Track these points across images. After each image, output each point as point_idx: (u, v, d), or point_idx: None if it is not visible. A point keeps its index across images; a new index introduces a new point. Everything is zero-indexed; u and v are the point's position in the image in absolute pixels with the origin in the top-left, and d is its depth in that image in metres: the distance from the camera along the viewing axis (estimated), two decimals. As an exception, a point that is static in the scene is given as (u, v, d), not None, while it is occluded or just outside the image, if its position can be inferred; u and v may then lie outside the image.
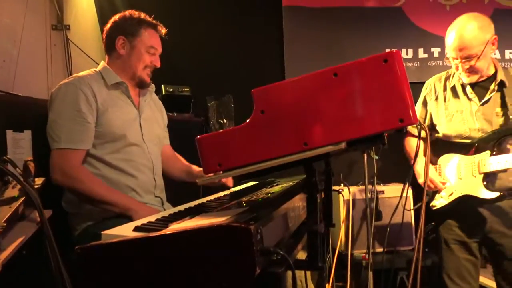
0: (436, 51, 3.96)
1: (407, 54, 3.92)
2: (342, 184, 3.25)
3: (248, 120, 1.03)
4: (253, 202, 1.37)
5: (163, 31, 2.05)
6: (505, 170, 2.01)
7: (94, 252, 0.94)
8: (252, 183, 2.09)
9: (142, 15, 2.01)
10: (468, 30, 2.04)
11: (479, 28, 2.04)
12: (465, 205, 2.11)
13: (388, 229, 3.23)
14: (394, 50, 0.94)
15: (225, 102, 3.56)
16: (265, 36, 3.89)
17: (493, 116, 2.09)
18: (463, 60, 2.06)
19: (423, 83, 3.79)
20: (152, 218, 1.18)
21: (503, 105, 2.08)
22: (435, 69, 3.90)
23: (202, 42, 3.78)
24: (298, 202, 1.56)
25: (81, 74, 1.94)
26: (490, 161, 2.02)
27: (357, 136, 0.97)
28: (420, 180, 2.21)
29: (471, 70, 2.07)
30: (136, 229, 1.06)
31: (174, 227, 1.02)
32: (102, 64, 2.01)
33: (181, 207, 1.43)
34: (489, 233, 2.12)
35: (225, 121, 3.57)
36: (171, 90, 3.33)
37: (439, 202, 2.17)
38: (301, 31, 3.84)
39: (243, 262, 0.87)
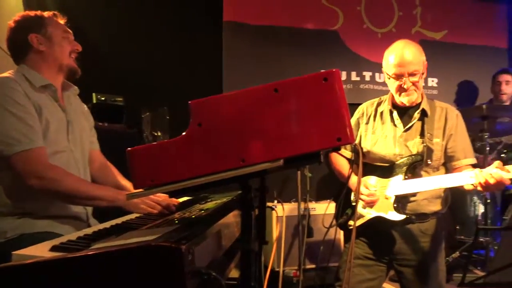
0: (367, 75, 4.16)
1: (341, 76, 4.07)
2: (275, 201, 3.26)
3: (184, 133, 0.98)
4: (185, 219, 1.30)
5: (62, 19, 1.94)
6: (414, 194, 2.12)
7: (2, 275, 0.83)
8: (185, 198, 2.02)
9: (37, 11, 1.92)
10: (411, 49, 2.15)
11: (418, 50, 2.17)
12: (377, 226, 2.18)
13: (321, 247, 3.29)
14: (334, 69, 0.94)
15: (160, 114, 3.45)
16: (204, 50, 3.86)
17: (412, 143, 2.20)
18: (409, 76, 2.13)
19: (355, 104, 3.97)
20: (73, 237, 1.08)
21: (422, 134, 2.19)
22: (366, 92, 4.10)
23: (139, 51, 3.67)
24: (232, 219, 1.52)
25: (3, 75, 1.77)
26: (401, 185, 2.11)
27: (295, 153, 0.96)
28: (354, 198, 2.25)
29: (414, 88, 2.15)
30: (54, 248, 0.95)
31: (97, 246, 0.93)
32: (19, 68, 1.84)
33: (107, 224, 1.33)
34: (397, 254, 2.19)
35: (159, 134, 3.46)
36: (103, 98, 3.17)
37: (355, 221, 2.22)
38: (241, 46, 3.86)
39: (173, 285, 0.81)
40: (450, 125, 2.20)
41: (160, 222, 1.29)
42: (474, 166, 2.13)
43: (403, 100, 2.18)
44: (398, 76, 2.15)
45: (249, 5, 3.90)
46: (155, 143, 1.49)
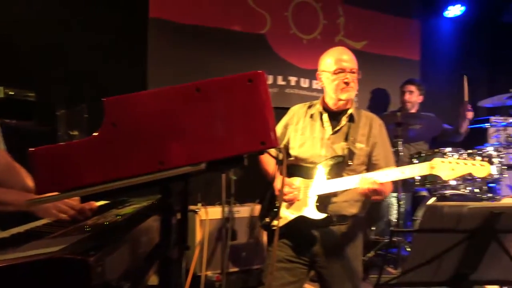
0: (293, 79, 4.24)
1: (267, 80, 4.09)
2: (199, 204, 3.19)
3: (95, 133, 0.89)
4: (98, 226, 1.21)
5: None
6: (336, 195, 2.19)
7: None
8: (101, 202, 1.89)
9: None
10: (348, 51, 2.29)
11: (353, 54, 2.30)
12: (299, 227, 2.22)
13: (243, 249, 3.28)
14: (259, 71, 0.92)
15: (77, 112, 3.23)
16: (129, 46, 3.67)
17: (338, 146, 2.27)
18: (350, 72, 2.22)
19: (280, 108, 4.03)
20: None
21: (347, 138, 2.27)
22: (291, 96, 4.18)
23: (56, 44, 3.39)
24: (153, 223, 1.44)
25: None
26: (324, 185, 2.17)
27: (218, 157, 0.92)
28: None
29: (353, 86, 2.23)
30: None
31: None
32: None
33: (7, 233, 1.18)
34: (318, 256, 2.25)
35: (76, 133, 3.23)
36: (12, 93, 2.89)
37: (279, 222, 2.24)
38: (167, 45, 3.73)
39: (78, 301, 0.73)
40: (374, 133, 2.30)
41: (70, 230, 1.17)
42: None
43: (343, 96, 2.23)
44: (341, 71, 2.21)
45: (177, 3, 3.79)
46: (61, 143, 1.37)
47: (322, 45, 4.36)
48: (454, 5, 4.94)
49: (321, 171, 2.21)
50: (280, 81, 4.18)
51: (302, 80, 4.29)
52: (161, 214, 1.11)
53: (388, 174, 2.03)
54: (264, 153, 1.04)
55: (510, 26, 5.08)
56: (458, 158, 1.84)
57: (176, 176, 0.95)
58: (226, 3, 3.99)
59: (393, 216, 3.81)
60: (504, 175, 3.52)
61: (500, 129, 3.84)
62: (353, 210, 2.25)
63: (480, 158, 1.79)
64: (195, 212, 3.15)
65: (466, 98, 4.00)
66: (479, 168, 1.77)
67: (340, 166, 2.22)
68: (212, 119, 0.90)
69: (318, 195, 2.17)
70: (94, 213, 1.53)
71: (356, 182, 2.08)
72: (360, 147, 2.25)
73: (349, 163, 2.19)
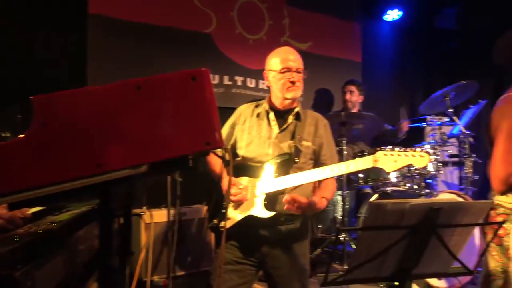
0: (239, 79, 4.23)
1: (213, 79, 4.06)
2: (144, 207, 3.09)
3: (23, 135, 0.81)
4: (30, 236, 1.11)
5: None
6: (283, 192, 2.18)
7: None
8: (36, 209, 1.76)
9: None
10: (294, 51, 2.30)
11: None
12: (247, 227, 2.20)
13: (190, 252, 3.22)
14: (203, 68, 0.88)
15: (9, 112, 3.01)
16: (67, 43, 3.48)
17: (285, 145, 2.28)
18: (296, 72, 2.23)
19: (226, 108, 4.00)
20: None
21: (293, 137, 2.29)
22: (238, 96, 4.17)
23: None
24: (92, 230, 1.36)
25: None
26: (271, 183, 2.17)
27: (160, 158, 0.87)
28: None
29: (299, 85, 2.24)
30: None
31: None
32: None
33: None
34: (266, 256, 2.24)
35: (8, 135, 3.01)
36: None
37: (227, 223, 2.22)
38: (109, 42, 3.57)
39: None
40: (320, 133, 2.34)
41: (-4, 240, 1.07)
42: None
43: (289, 95, 2.24)
44: (287, 70, 2.22)
45: (119, 0, 3.64)
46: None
47: (268, 46, 4.38)
48: (392, 9, 5.16)
49: (268, 169, 2.21)
50: (226, 81, 4.15)
51: (248, 80, 4.29)
52: (101, 221, 1.05)
53: (334, 169, 2.06)
54: (210, 153, 1.01)
55: (442, 31, 5.39)
56: (399, 151, 1.90)
57: (115, 180, 0.89)
58: (170, 1, 3.89)
59: (339, 214, 3.91)
60: (440, 172, 3.71)
61: (435, 128, 4.05)
62: (300, 209, 2.27)
63: (419, 149, 1.86)
64: (139, 215, 3.05)
65: (404, 127, 4.15)
66: (419, 159, 1.84)
67: (287, 164, 2.22)
68: (153, 118, 0.85)
69: (266, 194, 2.16)
70: (26, 221, 1.42)
71: (303, 179, 2.10)
72: (307, 145, 2.28)
73: (296, 160, 2.21)
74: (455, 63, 5.43)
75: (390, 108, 5.25)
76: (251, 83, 4.29)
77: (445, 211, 1.32)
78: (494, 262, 1.91)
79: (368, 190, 3.93)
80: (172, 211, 3.15)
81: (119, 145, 0.85)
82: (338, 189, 3.58)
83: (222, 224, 2.20)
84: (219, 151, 2.37)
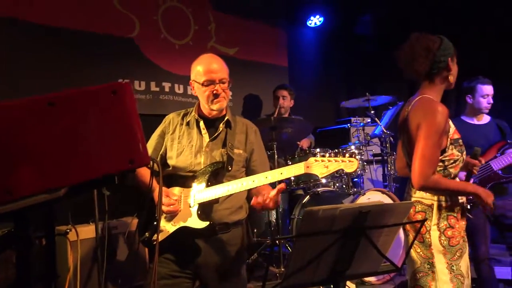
0: (167, 85, 4.13)
1: (139, 86, 3.93)
2: (69, 225, 2.89)
3: None
4: None
5: None
6: (217, 201, 2.16)
7: None
8: None
9: None
10: (218, 59, 2.23)
11: (223, 62, 2.26)
12: (182, 239, 2.15)
13: (122, 267, 3.07)
14: (124, 81, 0.82)
15: None
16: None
17: (217, 153, 2.25)
18: (220, 83, 2.17)
19: (155, 115, 3.88)
20: None
21: (224, 144, 2.26)
22: (166, 102, 4.06)
23: None
24: (8, 257, 1.24)
25: None
26: (204, 192, 2.14)
27: (80, 180, 0.80)
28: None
29: (224, 96, 2.19)
30: None
31: None
32: None
33: None
34: (202, 266, 2.19)
35: None
36: None
37: (159, 235, 2.14)
38: (19, 48, 3.30)
39: None
40: (250, 139, 2.33)
41: None
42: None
43: (214, 107, 2.21)
44: (210, 82, 2.17)
45: (35, 2, 3.37)
46: None
47: (195, 51, 4.31)
48: (315, 16, 5.34)
49: (201, 178, 2.17)
50: (153, 87, 4.03)
51: (176, 86, 4.20)
52: (17, 249, 0.95)
53: (268, 176, 2.07)
54: (135, 171, 0.95)
55: (361, 36, 5.67)
56: (329, 156, 1.95)
57: (30, 206, 0.81)
58: (90, 5, 3.69)
59: (273, 217, 3.95)
60: (365, 171, 3.90)
61: (359, 129, 4.24)
62: (235, 217, 2.24)
63: (348, 155, 1.92)
64: (65, 234, 2.84)
65: (304, 145, 4.29)
66: (349, 164, 1.91)
67: (219, 173, 2.20)
68: (70, 137, 0.78)
69: (199, 203, 2.12)
70: None
71: (238, 187, 2.08)
72: (239, 152, 2.26)
73: (229, 169, 2.19)
74: (374, 67, 5.75)
75: (316, 110, 5.43)
76: (179, 89, 4.20)
77: (372, 214, 1.37)
78: (420, 258, 2.01)
79: (300, 191, 4.02)
80: (100, 226, 2.98)
81: (31, 168, 0.76)
82: (271, 193, 3.62)
83: (154, 237, 2.12)
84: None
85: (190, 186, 2.17)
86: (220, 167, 2.18)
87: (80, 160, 0.79)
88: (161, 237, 2.11)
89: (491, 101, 3.15)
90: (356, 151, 3.71)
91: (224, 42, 4.59)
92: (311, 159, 1.98)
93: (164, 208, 2.09)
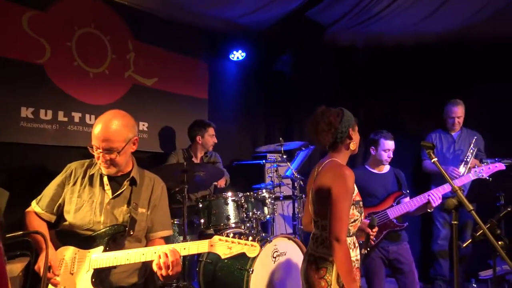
0: (77, 116, 3.91)
1: (46, 115, 3.69)
2: None
3: None
4: None
5: None
6: (114, 267, 2.07)
7: None
8: None
9: None
10: (114, 125, 2.09)
11: (124, 126, 2.12)
12: None
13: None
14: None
15: None
16: None
17: (119, 211, 2.17)
18: (104, 152, 2.07)
19: (62, 147, 3.66)
20: None
21: (129, 203, 2.18)
22: (75, 133, 3.84)
23: None
24: None
25: None
26: (101, 257, 2.04)
27: None
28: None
29: (111, 163, 2.11)
30: None
31: None
32: None
33: None
34: None
35: None
36: None
37: None
38: None
39: None
40: (155, 196, 2.27)
41: None
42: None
43: (103, 170, 2.13)
44: (97, 148, 2.09)
45: None
46: None
47: (111, 80, 4.17)
48: (237, 50, 5.42)
49: (99, 241, 2.07)
50: (61, 117, 3.79)
51: (87, 116, 3.99)
52: None
53: (171, 248, 2.01)
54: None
55: (280, 73, 5.86)
56: (234, 238, 1.97)
57: None
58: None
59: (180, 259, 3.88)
60: (275, 213, 3.99)
61: (273, 170, 4.36)
62: (132, 280, 2.17)
63: (251, 238, 1.97)
64: None
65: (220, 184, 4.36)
66: (251, 248, 1.95)
67: (120, 236, 2.12)
68: None
69: (94, 269, 2.02)
70: None
71: (136, 258, 2.01)
72: (142, 211, 2.20)
73: (131, 233, 2.11)
74: (292, 103, 5.97)
75: (234, 143, 5.48)
76: (90, 119, 3.99)
77: None
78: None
79: (211, 231, 4.01)
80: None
81: None
82: (180, 234, 3.56)
83: None
84: (45, 214, 2.14)
85: (86, 248, 2.07)
86: (121, 230, 2.11)
87: None
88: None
89: (391, 156, 3.40)
90: (267, 195, 3.80)
91: (143, 72, 4.48)
92: (216, 238, 1.99)
93: (51, 276, 1.96)
